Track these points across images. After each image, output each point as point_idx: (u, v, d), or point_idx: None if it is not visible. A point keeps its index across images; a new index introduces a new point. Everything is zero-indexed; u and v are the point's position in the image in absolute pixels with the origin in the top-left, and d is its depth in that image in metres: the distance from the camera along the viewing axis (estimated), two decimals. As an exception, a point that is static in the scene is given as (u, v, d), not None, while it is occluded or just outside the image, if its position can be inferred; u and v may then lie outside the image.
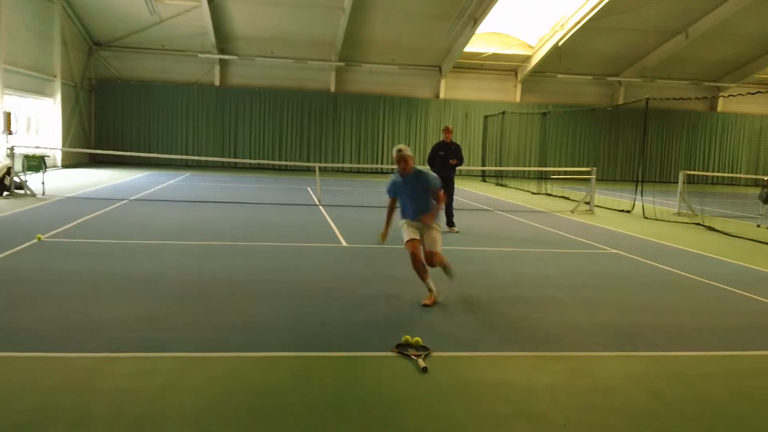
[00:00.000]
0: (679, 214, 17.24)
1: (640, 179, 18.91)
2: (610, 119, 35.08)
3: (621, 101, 34.71)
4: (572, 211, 17.47)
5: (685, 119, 36.01)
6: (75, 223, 11.88)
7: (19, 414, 4.04)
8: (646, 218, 16.48)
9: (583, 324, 6.58)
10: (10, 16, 21.98)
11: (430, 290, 7.09)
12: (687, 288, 8.60)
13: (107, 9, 27.96)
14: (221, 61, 31.94)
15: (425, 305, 6.92)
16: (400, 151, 7.29)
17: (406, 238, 7.22)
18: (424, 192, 7.27)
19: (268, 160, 31.96)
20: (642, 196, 17.82)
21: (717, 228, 14.59)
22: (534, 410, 4.40)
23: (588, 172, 18.65)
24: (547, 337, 6.10)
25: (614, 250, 11.32)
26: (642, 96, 20.98)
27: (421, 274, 7.13)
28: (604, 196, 21.79)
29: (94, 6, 27.79)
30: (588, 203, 17.96)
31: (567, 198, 21.09)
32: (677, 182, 18.16)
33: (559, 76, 34.17)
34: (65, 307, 6.44)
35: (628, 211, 17.83)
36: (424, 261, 7.11)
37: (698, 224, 15.34)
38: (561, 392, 4.73)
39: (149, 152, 29.67)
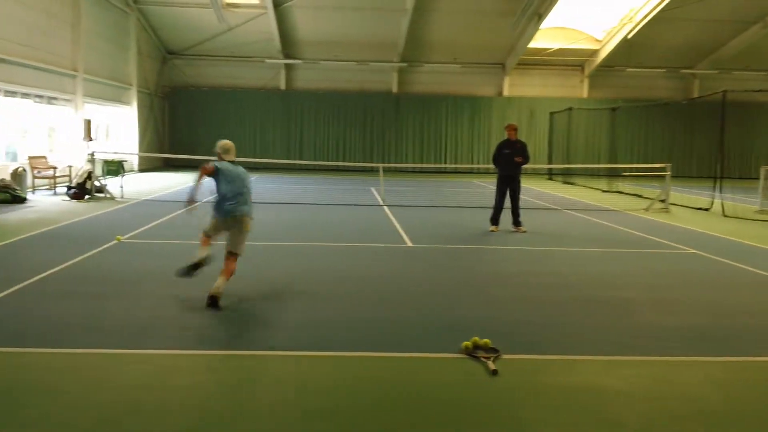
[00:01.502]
0: (761, 211, 16.53)
1: (718, 176, 18.23)
2: (685, 113, 33.82)
3: (696, 95, 33.55)
4: (646, 210, 17.00)
5: (765, 112, 34.47)
6: (152, 224, 12.25)
7: (97, 408, 4.19)
8: (726, 216, 15.87)
9: (660, 327, 6.39)
10: (89, 29, 22.88)
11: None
12: (769, 288, 8.25)
13: (179, 19, 28.81)
14: (287, 65, 32.44)
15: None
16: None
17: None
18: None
19: (332, 161, 32.28)
20: (721, 193, 17.19)
21: (802, 226, 13.94)
22: (609, 416, 4.29)
23: (662, 169, 18.11)
24: (621, 340, 5.95)
25: (692, 250, 10.95)
26: (718, 89, 20.27)
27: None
28: (679, 194, 21.11)
29: (167, 16, 28.68)
30: (663, 201, 17.43)
31: (640, 196, 20.53)
32: (759, 178, 17.43)
33: (629, 69, 33.30)
34: (143, 306, 6.66)
35: (706, 209, 17.20)
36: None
37: (781, 222, 14.71)
38: (637, 398, 4.60)
39: (219, 156, 30.27)
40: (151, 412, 4.16)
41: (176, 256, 9.41)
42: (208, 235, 7.31)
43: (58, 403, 4.25)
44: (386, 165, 23.75)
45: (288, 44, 31.03)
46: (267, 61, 31.90)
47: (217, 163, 7.25)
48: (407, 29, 28.73)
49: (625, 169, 25.58)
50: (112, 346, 5.38)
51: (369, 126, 33.26)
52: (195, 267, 7.08)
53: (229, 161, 7.41)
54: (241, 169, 7.49)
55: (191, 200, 7.22)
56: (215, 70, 32.51)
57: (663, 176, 17.87)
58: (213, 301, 6.61)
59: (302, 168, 32.49)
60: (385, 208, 16.37)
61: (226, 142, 7.52)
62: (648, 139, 34.43)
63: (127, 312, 6.43)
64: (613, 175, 24.58)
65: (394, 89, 33.28)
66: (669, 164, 18.03)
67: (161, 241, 10.77)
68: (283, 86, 32.89)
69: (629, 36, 30.25)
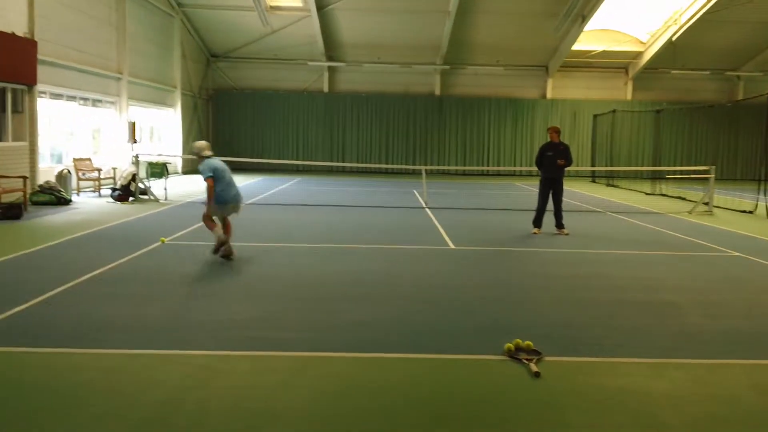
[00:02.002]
0: (808, 214, 16.12)
1: (763, 178, 17.82)
2: (730, 116, 33.15)
3: (741, 97, 32.87)
4: (690, 212, 16.71)
5: (812, 114, 33.56)
6: (195, 226, 12.44)
7: (146, 408, 4.29)
8: (772, 219, 15.54)
9: (704, 330, 6.30)
10: (134, 32, 23.36)
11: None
12: (819, 294, 8.04)
13: (223, 22, 29.26)
14: (330, 68, 32.66)
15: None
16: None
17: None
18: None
19: (374, 163, 32.40)
20: (766, 195, 16.80)
21: None
22: (653, 419, 4.25)
23: (706, 171, 17.79)
24: (665, 342, 5.88)
25: (736, 253, 10.74)
26: (764, 91, 19.82)
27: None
28: (723, 196, 20.71)
29: (211, 19, 29.15)
30: (706, 204, 17.12)
31: (684, 198, 20.18)
32: (806, 181, 16.97)
33: (673, 72, 32.75)
34: (185, 306, 6.80)
35: (750, 212, 16.84)
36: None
37: (831, 226, 14.30)
38: (682, 400, 4.55)
39: (262, 158, 30.73)
40: (194, 412, 4.24)
41: (218, 258, 9.59)
42: (212, 219, 9.34)
43: (106, 404, 4.35)
44: (429, 167, 23.82)
45: (331, 47, 31.25)
46: (310, 63, 32.17)
47: (210, 169, 9.10)
48: (450, 31, 28.72)
49: (668, 172, 25.19)
50: (156, 347, 5.49)
51: (412, 128, 33.29)
52: (221, 246, 9.09)
53: (207, 156, 9.28)
54: (219, 160, 9.41)
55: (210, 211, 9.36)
56: (258, 73, 32.91)
57: (707, 179, 17.55)
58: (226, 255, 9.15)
59: (345, 170, 32.72)
60: (428, 210, 16.37)
61: (202, 142, 9.49)
62: (692, 141, 33.83)
63: (170, 313, 6.55)
64: (657, 177, 24.21)
65: (437, 91, 33.25)
66: (713, 167, 17.70)
67: (204, 242, 10.92)
68: (325, 89, 33.12)
69: (674, 38, 29.77)
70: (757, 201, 17.28)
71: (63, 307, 6.65)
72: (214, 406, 4.33)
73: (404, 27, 29.08)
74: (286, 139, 33.15)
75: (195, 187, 21.58)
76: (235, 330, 6.01)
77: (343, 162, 32.36)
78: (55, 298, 6.95)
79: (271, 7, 28.00)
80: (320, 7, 27.49)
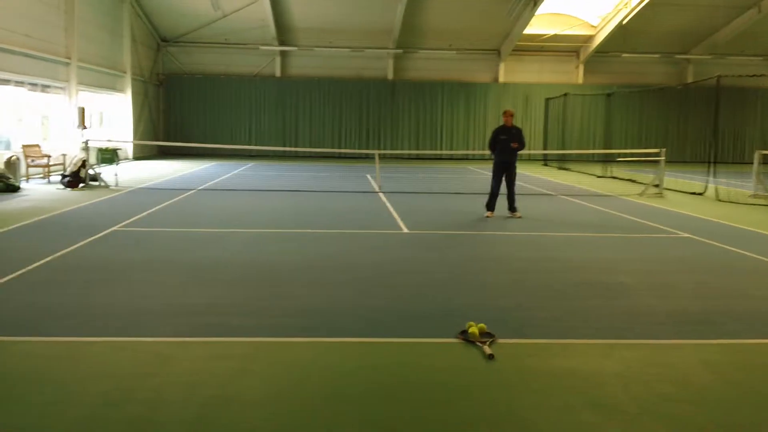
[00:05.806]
0: (755, 195, 16.58)
1: (712, 160, 18.27)
2: (679, 99, 33.89)
3: (690, 80, 33.56)
4: (640, 195, 17.04)
5: (759, 97, 34.47)
6: (146, 213, 12.23)
7: (96, 396, 4.20)
8: (720, 201, 15.93)
9: (655, 311, 6.42)
10: (83, 16, 22.71)
11: None
12: (764, 273, 8.28)
13: (173, 6, 28.67)
14: (282, 52, 32.31)
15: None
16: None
17: None
18: None
19: (327, 148, 32.26)
20: (715, 177, 17.23)
21: (795, 209, 13.97)
22: (605, 399, 4.31)
23: (656, 154, 18.14)
24: (616, 324, 5.97)
25: (686, 234, 10.99)
26: (713, 74, 20.26)
27: None
28: (674, 179, 21.17)
29: (161, 3, 28.54)
30: (657, 186, 17.47)
31: (634, 181, 20.56)
32: (752, 163, 17.47)
33: (624, 55, 33.27)
34: (138, 294, 6.65)
35: (700, 194, 17.26)
36: None
37: (774, 206, 14.73)
38: (633, 381, 4.62)
39: (214, 143, 30.31)
40: (147, 399, 4.17)
41: (170, 243, 9.45)
42: None
43: (57, 392, 4.26)
44: (382, 152, 23.80)
45: (283, 31, 30.89)
46: (262, 47, 31.77)
47: None
48: (403, 15, 28.62)
49: (619, 155, 25.63)
50: (108, 335, 5.39)
51: (365, 113, 33.21)
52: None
53: None
54: None
55: None
56: (210, 57, 32.36)
57: (657, 161, 17.90)
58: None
59: (297, 155, 32.51)
60: (381, 194, 16.36)
61: None
62: (643, 124, 34.47)
63: (121, 300, 6.43)
64: (608, 160, 24.60)
65: (390, 76, 33.19)
66: (663, 149, 18.07)
67: (156, 228, 10.76)
68: (278, 73, 32.77)
69: (624, 21, 30.19)
70: (707, 183, 17.72)
71: (11, 294, 6.48)
72: (168, 394, 4.25)
73: (356, 11, 28.91)
74: (239, 125, 32.75)
75: (146, 173, 21.20)
76: (188, 316, 5.92)
77: (296, 147, 32.15)
78: (4, 286, 6.74)
79: (222, -10, 27.53)
80: (272, -10, 27.13)
